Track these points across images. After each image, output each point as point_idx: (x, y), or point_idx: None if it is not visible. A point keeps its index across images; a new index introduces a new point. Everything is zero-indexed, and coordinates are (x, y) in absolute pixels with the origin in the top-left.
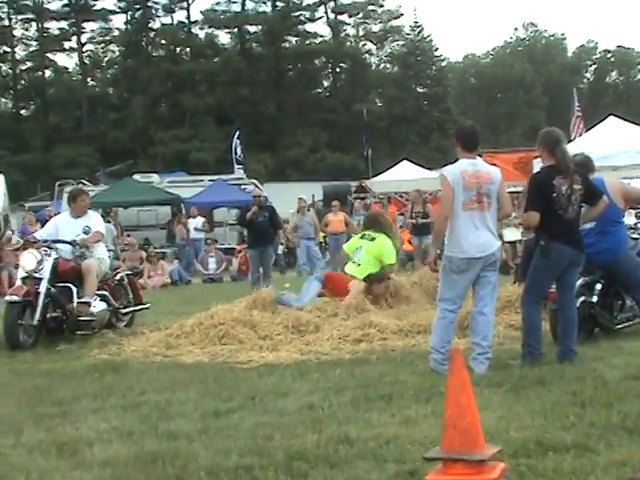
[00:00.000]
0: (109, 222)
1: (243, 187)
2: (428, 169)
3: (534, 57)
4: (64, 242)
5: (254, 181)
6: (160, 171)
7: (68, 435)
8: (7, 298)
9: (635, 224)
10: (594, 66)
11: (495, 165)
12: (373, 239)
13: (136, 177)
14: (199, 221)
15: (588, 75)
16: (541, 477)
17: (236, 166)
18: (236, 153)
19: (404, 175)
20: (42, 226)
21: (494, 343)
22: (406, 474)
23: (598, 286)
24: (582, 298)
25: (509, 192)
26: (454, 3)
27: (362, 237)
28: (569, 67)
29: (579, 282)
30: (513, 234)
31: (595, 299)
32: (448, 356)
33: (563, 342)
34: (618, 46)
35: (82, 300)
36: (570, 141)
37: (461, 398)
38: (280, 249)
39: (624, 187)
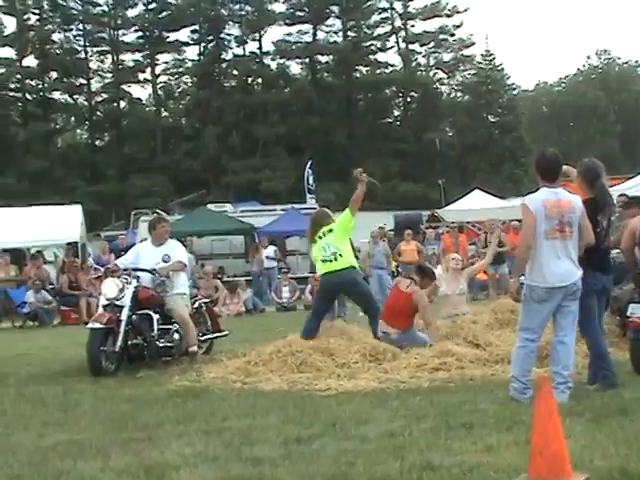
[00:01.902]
0: (192, 253)
1: None
2: (500, 198)
3: (607, 85)
4: (144, 270)
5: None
6: (233, 201)
7: (154, 459)
8: (90, 325)
9: None
10: None
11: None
12: (330, 230)
13: (210, 207)
14: (270, 250)
15: None
16: None
17: (308, 195)
18: (308, 182)
19: (476, 204)
20: (115, 255)
21: (573, 372)
22: None
23: None
24: None
25: None
26: (526, 31)
27: (320, 238)
28: None
29: None
30: None
31: None
32: (529, 385)
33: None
34: None
35: (190, 351)
36: None
37: (548, 426)
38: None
39: None
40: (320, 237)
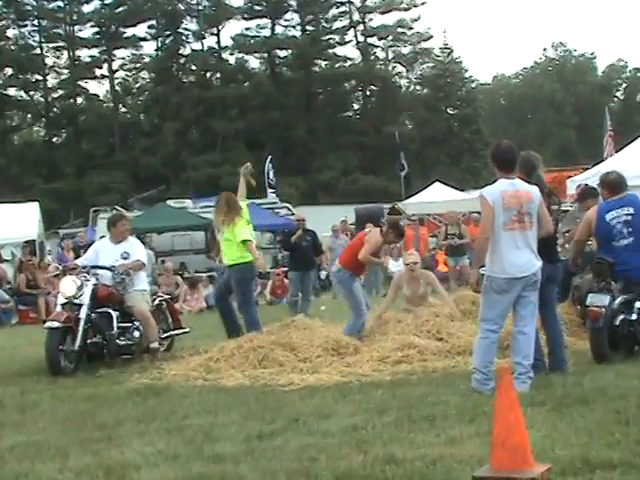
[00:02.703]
0: (152, 249)
1: (276, 211)
2: (460, 190)
3: (564, 77)
4: (103, 268)
5: (287, 205)
6: (193, 196)
7: (114, 459)
8: (48, 324)
9: None
10: (624, 85)
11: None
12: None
13: (170, 202)
14: None
15: (618, 94)
16: None
17: (269, 190)
18: (268, 177)
19: (436, 197)
20: (75, 253)
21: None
22: None
23: (637, 304)
24: (621, 317)
25: None
26: (483, 24)
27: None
28: (599, 86)
29: (618, 300)
30: None
31: (634, 317)
32: (490, 376)
33: (554, 353)
34: None
35: (151, 347)
36: (602, 160)
37: (509, 417)
38: (323, 274)
39: None
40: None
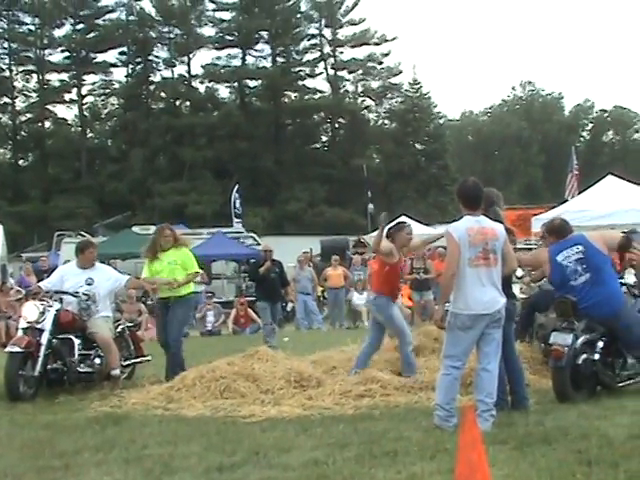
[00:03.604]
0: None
1: (241, 240)
2: (426, 225)
3: (531, 115)
4: (66, 293)
5: (252, 235)
6: (158, 223)
7: None
8: (8, 349)
9: (635, 282)
10: (591, 125)
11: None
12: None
13: (135, 229)
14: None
15: (585, 134)
16: None
17: (235, 220)
18: (235, 206)
19: None
20: (37, 277)
21: None
22: None
23: (600, 344)
24: (584, 356)
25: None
26: (453, 61)
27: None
28: (566, 126)
29: (581, 340)
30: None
31: (597, 357)
32: (453, 413)
33: (515, 391)
34: (615, 106)
35: (112, 374)
36: (565, 200)
37: (472, 456)
38: (290, 306)
39: (602, 235)
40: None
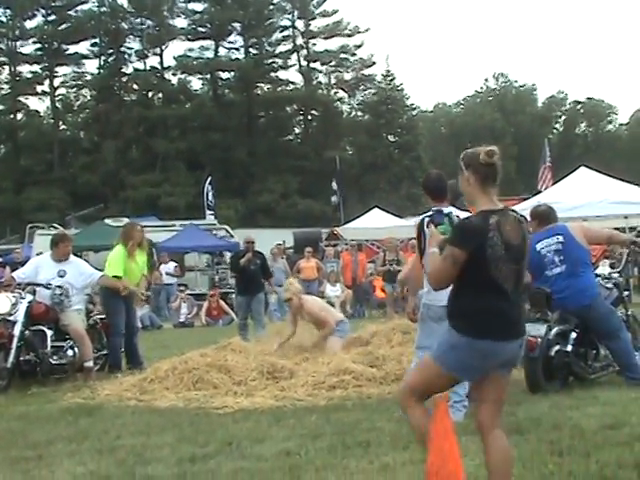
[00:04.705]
0: None
1: (214, 233)
2: (398, 217)
3: (504, 107)
4: (39, 285)
5: (225, 227)
6: (131, 215)
7: (44, 479)
8: None
9: (609, 274)
10: (564, 117)
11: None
12: None
13: (107, 221)
14: (170, 266)
15: (557, 126)
16: None
17: (207, 212)
18: (207, 198)
19: (375, 223)
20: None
21: None
22: None
23: (573, 335)
24: (557, 347)
25: None
26: (426, 53)
27: None
28: (539, 117)
29: (554, 331)
30: None
31: (570, 348)
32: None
33: None
34: (588, 98)
35: (85, 366)
36: (539, 192)
37: (444, 445)
38: (274, 298)
39: (585, 228)
40: None
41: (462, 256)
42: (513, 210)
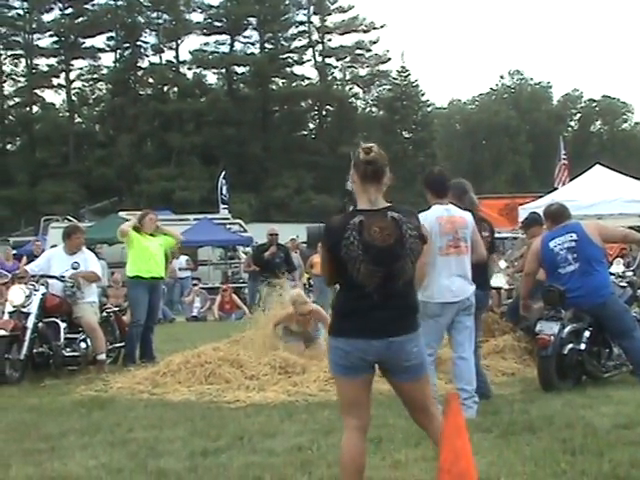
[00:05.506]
0: (104, 259)
1: (228, 227)
2: None
3: (519, 104)
4: (53, 277)
5: (239, 221)
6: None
7: (57, 471)
8: None
9: (623, 272)
10: (579, 115)
11: (481, 211)
12: None
13: (122, 214)
14: (182, 259)
15: (573, 124)
16: None
17: (221, 206)
18: (222, 193)
19: None
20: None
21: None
22: None
23: (586, 333)
24: (570, 345)
25: (496, 238)
26: (441, 49)
27: None
28: (554, 115)
29: (567, 329)
30: (499, 280)
31: (583, 346)
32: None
33: None
34: (603, 95)
35: (98, 358)
36: (554, 189)
37: (456, 443)
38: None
39: (600, 226)
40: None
41: (326, 254)
42: (410, 211)
